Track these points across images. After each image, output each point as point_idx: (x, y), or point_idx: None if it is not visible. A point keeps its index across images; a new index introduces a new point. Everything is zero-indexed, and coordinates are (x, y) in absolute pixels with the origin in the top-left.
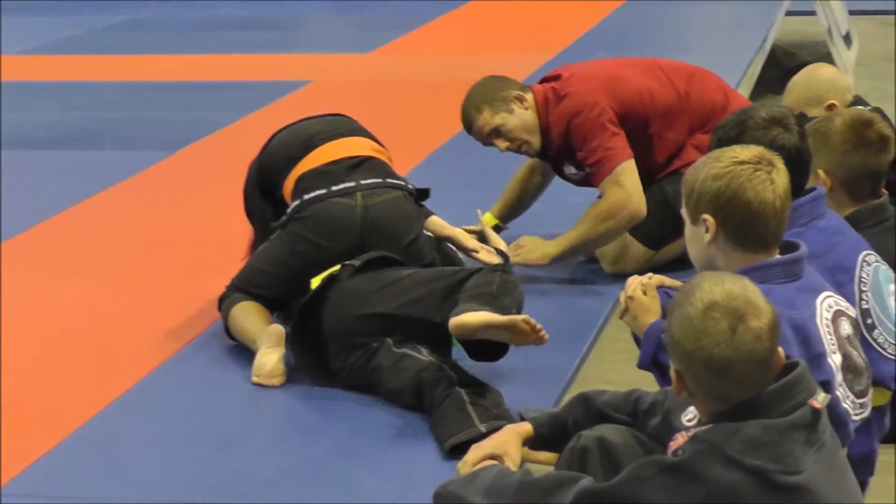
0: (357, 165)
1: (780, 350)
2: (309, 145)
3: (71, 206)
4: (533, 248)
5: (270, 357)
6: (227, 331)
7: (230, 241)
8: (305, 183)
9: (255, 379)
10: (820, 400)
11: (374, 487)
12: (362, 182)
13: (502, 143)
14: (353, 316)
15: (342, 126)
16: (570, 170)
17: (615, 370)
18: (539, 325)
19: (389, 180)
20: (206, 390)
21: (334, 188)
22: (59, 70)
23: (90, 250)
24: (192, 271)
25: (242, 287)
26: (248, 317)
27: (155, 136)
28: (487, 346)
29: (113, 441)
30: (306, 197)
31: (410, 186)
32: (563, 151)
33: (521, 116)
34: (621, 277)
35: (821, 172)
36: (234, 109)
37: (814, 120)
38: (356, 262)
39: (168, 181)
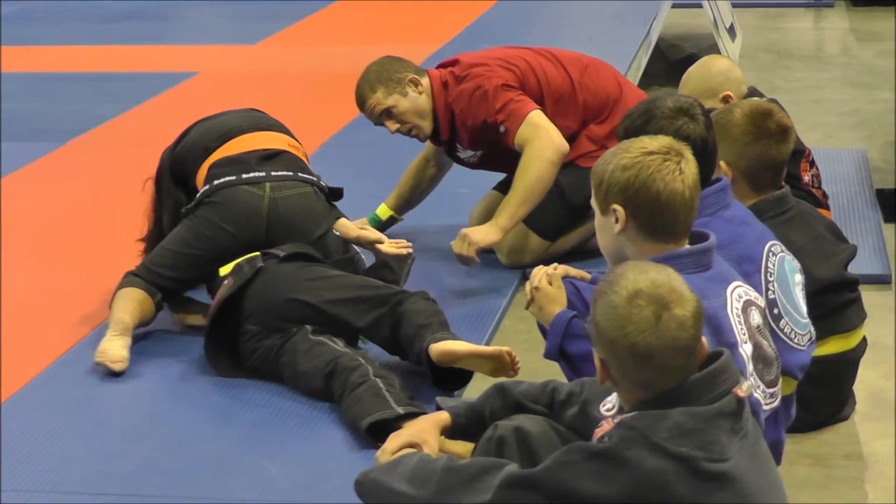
0: (270, 158)
1: (704, 339)
2: (226, 137)
3: None
4: (481, 230)
5: (113, 343)
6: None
7: (119, 232)
8: (216, 170)
9: (97, 359)
10: (744, 389)
11: (282, 478)
12: (273, 174)
13: (392, 125)
14: (282, 298)
15: (262, 121)
16: (466, 153)
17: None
18: (516, 357)
19: (301, 175)
20: (106, 382)
21: (244, 176)
22: None
23: None
24: (84, 262)
25: (151, 267)
26: (124, 302)
27: (42, 127)
28: (452, 375)
29: (15, 433)
30: (216, 182)
31: (322, 184)
32: (461, 131)
33: (414, 100)
34: (517, 269)
35: (723, 164)
36: (122, 101)
37: (713, 112)
38: (280, 253)
39: (56, 173)
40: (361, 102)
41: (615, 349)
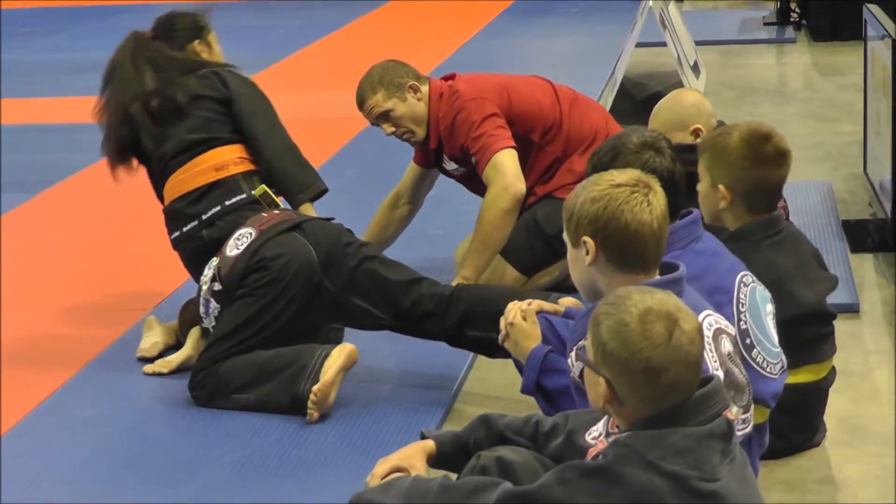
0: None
1: None
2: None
3: None
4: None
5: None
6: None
7: (94, 281)
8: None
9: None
10: (734, 413)
11: None
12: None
13: (388, 128)
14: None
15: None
16: (451, 165)
17: (492, 395)
18: None
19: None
20: (88, 426)
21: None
22: None
23: None
24: (59, 311)
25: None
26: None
27: (13, 179)
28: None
29: None
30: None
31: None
32: (446, 146)
33: (411, 106)
34: None
35: (721, 187)
36: (91, 152)
37: (709, 134)
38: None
39: (29, 224)
40: (361, 102)
41: (627, 367)
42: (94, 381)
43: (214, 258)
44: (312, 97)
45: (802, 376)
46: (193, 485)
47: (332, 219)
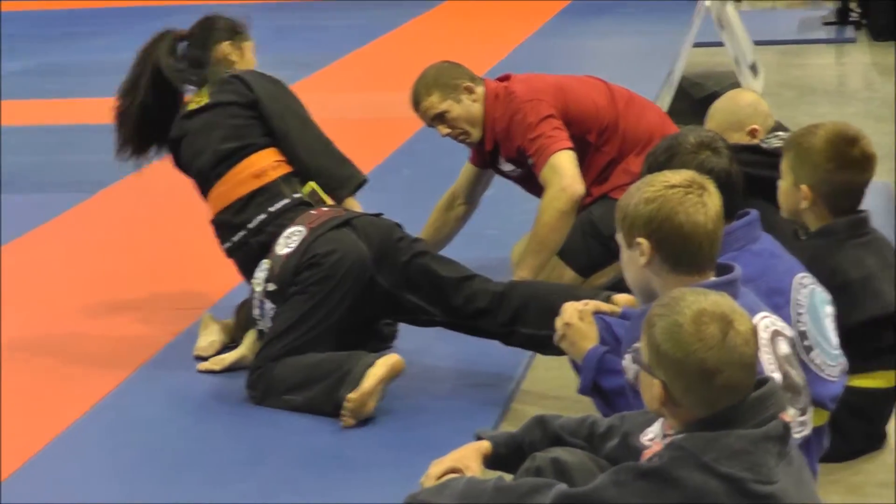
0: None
1: None
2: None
3: None
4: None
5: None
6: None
7: (150, 281)
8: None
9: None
10: (790, 415)
11: None
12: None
13: (444, 129)
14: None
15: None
16: (507, 166)
17: (550, 396)
18: None
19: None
20: (143, 426)
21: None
22: None
23: (9, 294)
24: (116, 311)
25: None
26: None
27: (71, 178)
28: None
29: (55, 479)
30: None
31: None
32: (502, 148)
33: (467, 107)
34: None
35: (803, 187)
36: None
37: (793, 132)
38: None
39: (86, 224)
40: (416, 103)
41: (682, 368)
42: (150, 380)
43: (265, 259)
44: (368, 97)
45: (877, 381)
46: (249, 483)
47: (381, 215)
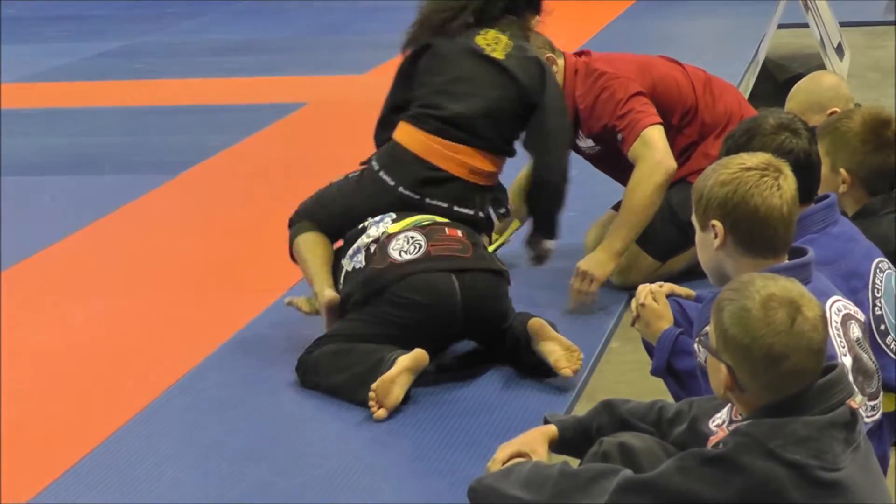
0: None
1: None
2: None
3: (72, 233)
4: (597, 263)
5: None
6: (291, 255)
7: (232, 263)
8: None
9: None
10: (857, 401)
11: (395, 499)
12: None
13: None
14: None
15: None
16: (586, 143)
17: (623, 380)
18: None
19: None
20: (217, 408)
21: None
22: (55, 97)
23: (93, 275)
24: (196, 293)
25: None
26: (309, 253)
27: (153, 160)
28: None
29: (130, 459)
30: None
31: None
32: (583, 124)
33: None
34: (627, 289)
35: (842, 171)
36: (231, 133)
37: (829, 118)
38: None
39: (169, 205)
40: None
41: (749, 353)
42: (224, 363)
43: (387, 226)
44: None
45: None
46: (319, 469)
47: (505, 271)
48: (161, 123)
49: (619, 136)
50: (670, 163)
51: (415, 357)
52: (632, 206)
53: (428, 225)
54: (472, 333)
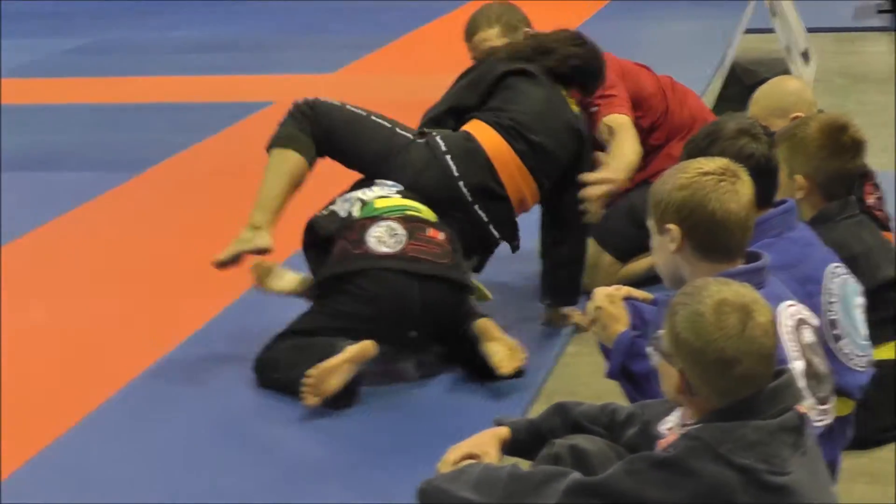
0: None
1: None
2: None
3: (35, 228)
4: (613, 169)
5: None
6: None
7: (191, 263)
8: None
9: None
10: (807, 406)
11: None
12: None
13: None
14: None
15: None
16: None
17: (580, 382)
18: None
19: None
20: (171, 409)
21: None
22: (20, 93)
23: (51, 273)
24: (154, 292)
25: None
26: (274, 175)
27: (117, 157)
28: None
29: (80, 460)
30: None
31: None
32: None
33: None
34: (588, 290)
35: (798, 177)
36: (197, 131)
37: (786, 126)
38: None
39: (131, 203)
40: (473, 32)
41: (700, 357)
42: (179, 363)
43: (392, 195)
44: (426, 80)
45: (892, 352)
46: (273, 470)
47: (471, 286)
48: (126, 121)
49: (594, 109)
50: (640, 150)
51: (361, 348)
52: (623, 150)
53: (414, 219)
54: (429, 335)
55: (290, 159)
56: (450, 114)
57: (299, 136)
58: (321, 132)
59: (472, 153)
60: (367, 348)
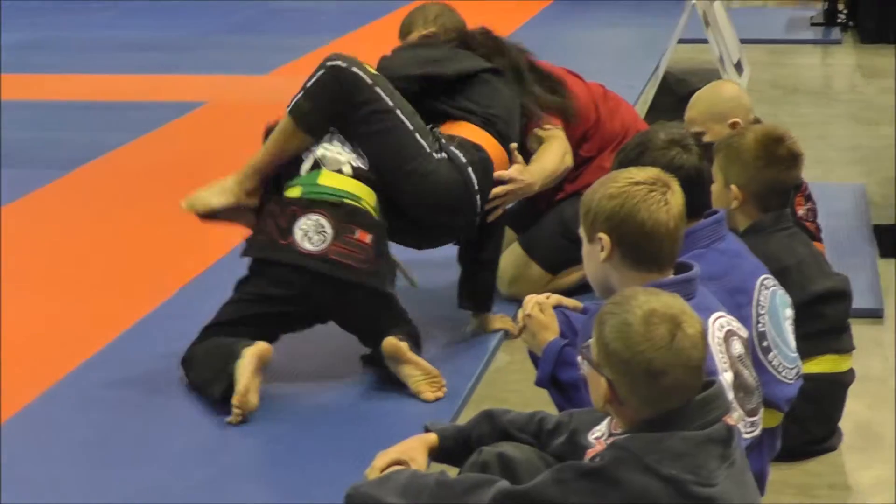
0: None
1: None
2: None
3: None
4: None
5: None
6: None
7: (120, 262)
8: None
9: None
10: (736, 418)
11: None
12: None
13: None
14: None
15: None
16: None
17: (510, 390)
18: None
19: None
20: (101, 408)
21: None
22: None
23: None
24: (83, 291)
25: None
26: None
27: (48, 156)
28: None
29: (9, 460)
30: None
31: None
32: None
33: None
34: (516, 300)
35: (733, 187)
36: (129, 130)
37: (725, 135)
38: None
39: (59, 202)
40: (409, 31)
41: (629, 367)
42: (108, 362)
43: (341, 152)
44: None
45: (824, 365)
46: (209, 469)
47: (390, 295)
48: (58, 119)
49: (525, 120)
50: (569, 163)
51: (258, 356)
52: (550, 159)
53: (347, 214)
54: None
55: (297, 139)
56: (420, 80)
57: (316, 117)
58: (338, 116)
59: (483, 162)
60: (264, 351)
